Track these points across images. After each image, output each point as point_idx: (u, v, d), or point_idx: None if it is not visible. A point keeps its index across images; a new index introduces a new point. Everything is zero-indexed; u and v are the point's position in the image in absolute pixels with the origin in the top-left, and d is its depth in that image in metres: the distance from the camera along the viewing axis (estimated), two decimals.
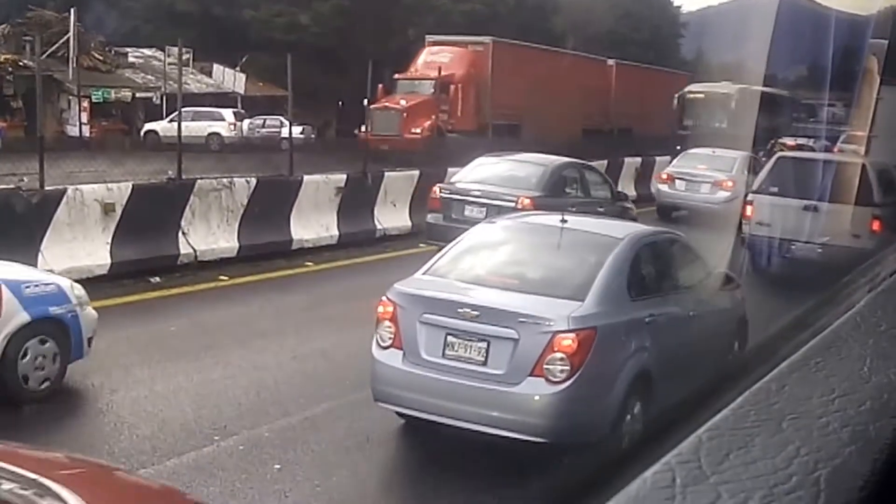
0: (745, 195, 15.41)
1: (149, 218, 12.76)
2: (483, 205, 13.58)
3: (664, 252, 7.99)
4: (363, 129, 24.64)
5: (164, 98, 40.32)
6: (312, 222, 15.60)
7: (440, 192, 14.55)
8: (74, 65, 39.40)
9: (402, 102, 32.55)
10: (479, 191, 13.91)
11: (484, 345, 6.45)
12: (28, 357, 7.44)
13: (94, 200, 12.11)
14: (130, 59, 44.87)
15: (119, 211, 12.33)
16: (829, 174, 13.99)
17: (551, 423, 6.33)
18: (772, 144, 28.56)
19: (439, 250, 7.74)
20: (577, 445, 6.30)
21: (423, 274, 7.18)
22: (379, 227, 16.98)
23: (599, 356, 6.41)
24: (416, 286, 6.96)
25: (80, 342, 7.80)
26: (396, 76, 34.41)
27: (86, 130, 37.65)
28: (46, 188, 11.90)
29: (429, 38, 36.12)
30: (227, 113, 40.99)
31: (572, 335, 6.30)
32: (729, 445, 0.95)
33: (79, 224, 11.90)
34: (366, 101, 22.15)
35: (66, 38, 39.86)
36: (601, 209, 13.70)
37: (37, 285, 7.56)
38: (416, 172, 18.41)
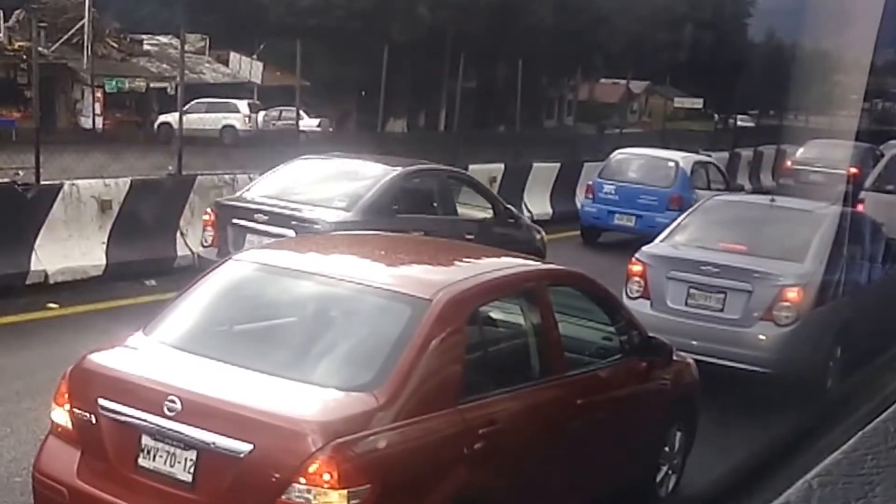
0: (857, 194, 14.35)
1: (147, 216, 11.58)
2: (821, 172, 19.95)
3: (861, 227, 9.38)
4: None
5: (178, 89, 34.50)
6: None
7: (792, 164, 22.41)
8: (89, 52, 37.10)
9: None
10: (820, 163, 20.71)
11: (721, 295, 8.05)
12: None
13: (90, 197, 11.08)
14: (146, 47, 41.69)
15: (116, 208, 11.28)
16: None
17: (777, 357, 7.86)
18: None
19: None
20: (793, 379, 7.65)
21: (661, 241, 8.86)
22: None
23: (816, 306, 7.92)
24: (660, 250, 8.66)
25: None
26: None
27: (99, 122, 35.22)
28: (42, 182, 10.88)
29: None
30: (243, 104, 37.05)
31: (797, 288, 7.88)
32: (845, 495, 0.81)
33: (74, 221, 10.92)
34: None
35: (80, 24, 37.63)
36: None
37: None
38: None
